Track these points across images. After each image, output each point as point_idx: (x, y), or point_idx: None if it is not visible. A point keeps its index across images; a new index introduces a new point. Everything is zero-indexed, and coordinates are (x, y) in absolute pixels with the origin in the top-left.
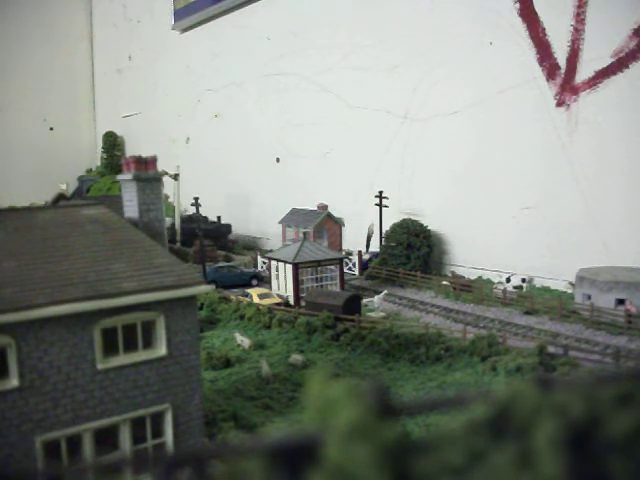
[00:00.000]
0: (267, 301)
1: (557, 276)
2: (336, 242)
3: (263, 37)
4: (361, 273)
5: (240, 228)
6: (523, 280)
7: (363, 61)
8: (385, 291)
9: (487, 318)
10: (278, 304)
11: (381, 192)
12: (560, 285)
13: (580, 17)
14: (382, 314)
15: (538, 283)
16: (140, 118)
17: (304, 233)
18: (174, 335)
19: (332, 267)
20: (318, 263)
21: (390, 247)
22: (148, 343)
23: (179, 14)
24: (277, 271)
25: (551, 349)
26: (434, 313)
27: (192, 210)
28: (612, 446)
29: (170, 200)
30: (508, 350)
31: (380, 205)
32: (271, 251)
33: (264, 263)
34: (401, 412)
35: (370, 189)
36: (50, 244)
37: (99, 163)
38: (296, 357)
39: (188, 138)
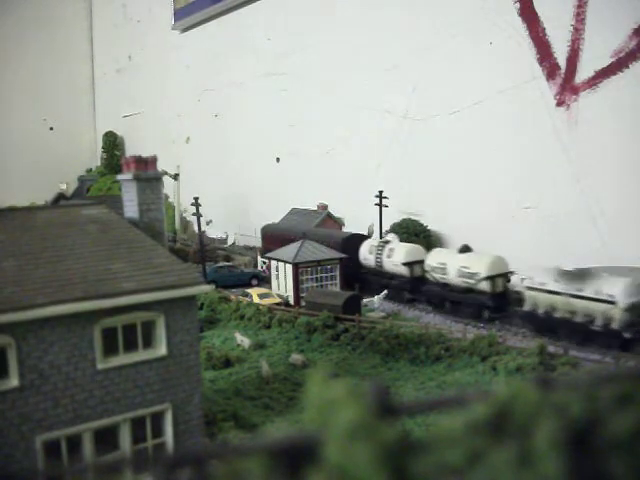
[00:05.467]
0: (267, 301)
1: None
2: None
3: (263, 37)
4: None
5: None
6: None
7: (363, 61)
8: (385, 291)
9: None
10: (278, 304)
11: (381, 192)
12: None
13: (580, 17)
14: (382, 314)
15: None
16: (140, 118)
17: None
18: (174, 335)
19: (332, 267)
20: (318, 263)
21: None
22: (148, 343)
23: (179, 14)
24: (277, 271)
25: (551, 349)
26: (434, 313)
27: (192, 210)
28: (612, 446)
29: (170, 200)
30: (508, 350)
31: (380, 205)
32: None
33: (264, 263)
34: (401, 412)
35: (370, 189)
36: (50, 244)
37: (99, 163)
38: (296, 357)
39: (188, 138)
